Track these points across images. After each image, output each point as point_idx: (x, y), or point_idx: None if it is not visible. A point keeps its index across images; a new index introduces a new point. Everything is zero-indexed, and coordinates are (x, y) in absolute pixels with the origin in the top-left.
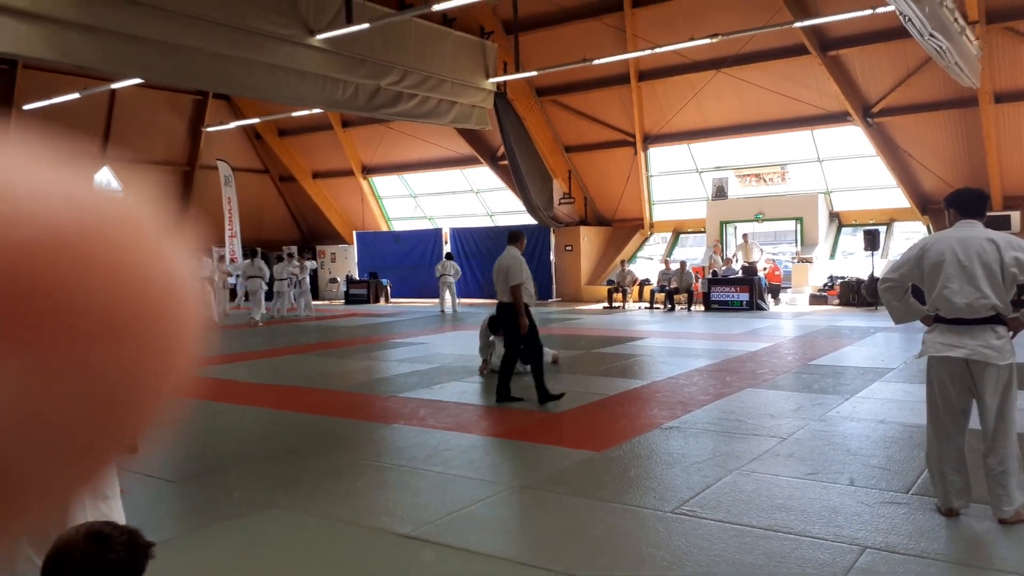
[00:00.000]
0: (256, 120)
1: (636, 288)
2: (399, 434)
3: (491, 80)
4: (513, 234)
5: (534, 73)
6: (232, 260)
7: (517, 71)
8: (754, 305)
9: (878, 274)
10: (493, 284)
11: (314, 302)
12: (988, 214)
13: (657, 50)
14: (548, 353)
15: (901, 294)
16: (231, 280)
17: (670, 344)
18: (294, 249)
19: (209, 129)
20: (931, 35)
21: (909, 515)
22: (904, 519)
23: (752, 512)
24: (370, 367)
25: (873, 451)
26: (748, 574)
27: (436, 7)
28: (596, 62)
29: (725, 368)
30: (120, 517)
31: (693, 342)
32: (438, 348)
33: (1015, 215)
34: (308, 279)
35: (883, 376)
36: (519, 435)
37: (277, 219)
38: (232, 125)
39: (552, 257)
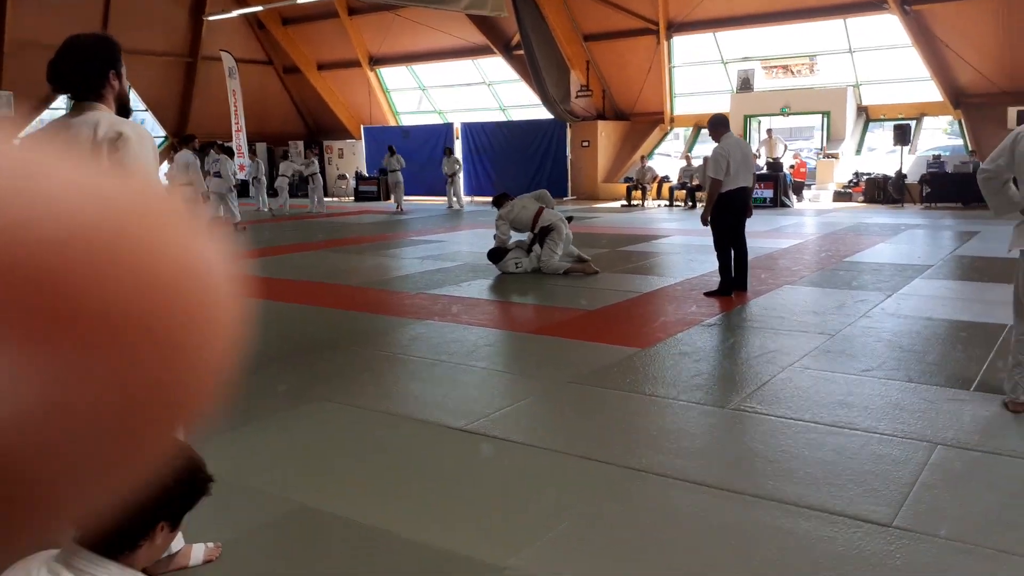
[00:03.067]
0: (259, 8)
1: (655, 185)
2: (435, 330)
3: None
4: (726, 120)
5: None
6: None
7: None
8: (778, 202)
9: (906, 170)
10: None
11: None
12: None
13: None
14: (563, 265)
15: (999, 186)
16: (242, 176)
17: (695, 242)
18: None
19: (210, 18)
20: None
21: (975, 412)
22: (971, 416)
23: (813, 408)
24: (392, 264)
25: (926, 348)
26: (821, 470)
27: None
28: None
29: (757, 265)
30: None
31: None
32: (457, 246)
33: None
34: (319, 174)
35: (923, 273)
36: (556, 332)
37: (281, 113)
38: (234, 13)
39: (568, 153)
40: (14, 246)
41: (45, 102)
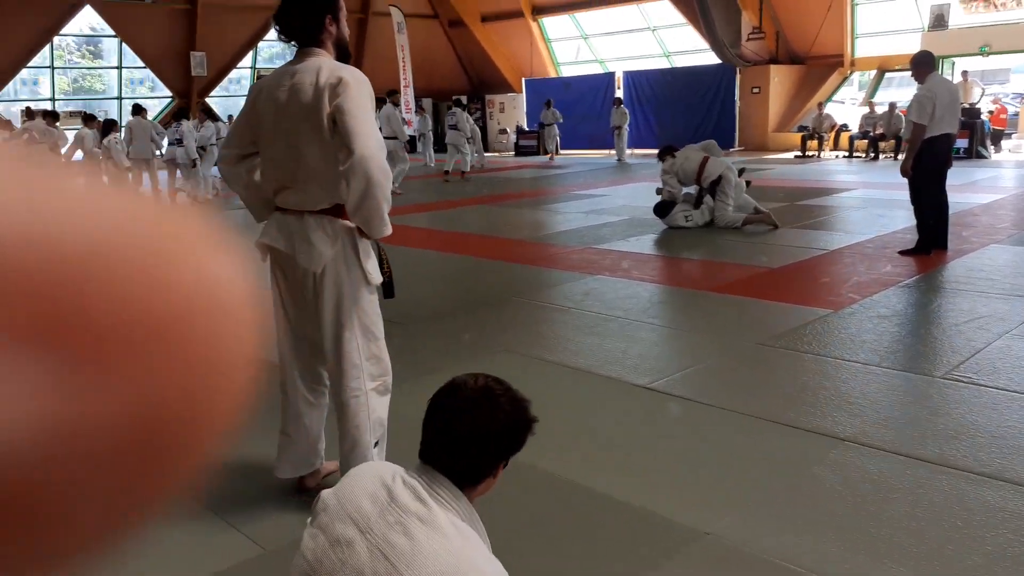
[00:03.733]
0: None
1: (833, 135)
2: (607, 285)
3: None
4: (931, 58)
5: None
6: (407, 110)
7: None
8: (973, 152)
9: None
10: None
11: (485, 154)
12: None
13: None
14: (739, 217)
15: None
16: (410, 131)
17: (882, 196)
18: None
19: None
20: None
21: None
22: None
23: None
24: (557, 219)
25: None
26: None
27: None
28: None
29: (956, 222)
30: (386, 357)
31: (907, 193)
32: (621, 200)
33: None
34: (478, 129)
35: None
36: (737, 290)
37: (447, 67)
38: None
39: (736, 100)
40: (28, 263)
41: (233, 61)
